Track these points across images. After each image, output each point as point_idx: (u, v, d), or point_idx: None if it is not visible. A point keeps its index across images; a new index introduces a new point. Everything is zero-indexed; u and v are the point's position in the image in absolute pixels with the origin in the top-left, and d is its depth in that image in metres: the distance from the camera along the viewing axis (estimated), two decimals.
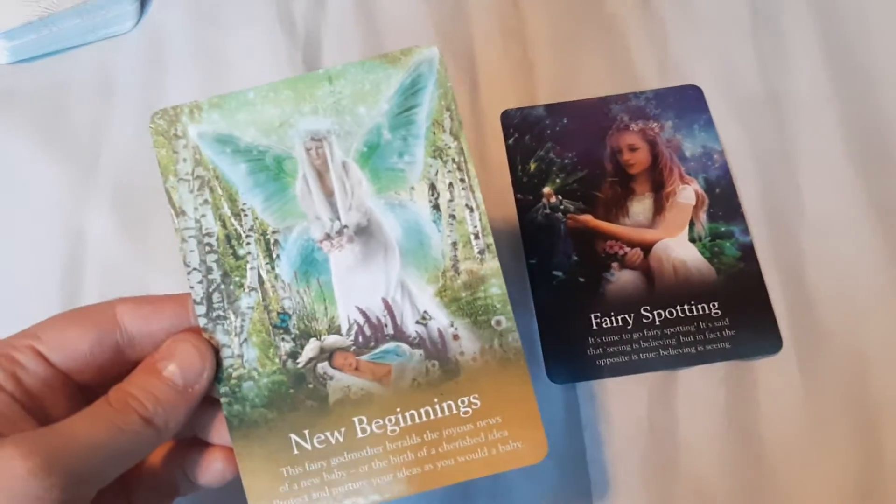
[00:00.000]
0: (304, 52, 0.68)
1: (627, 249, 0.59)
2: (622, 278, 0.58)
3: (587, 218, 0.60)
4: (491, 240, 0.41)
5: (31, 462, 0.32)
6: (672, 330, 0.56)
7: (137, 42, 0.70)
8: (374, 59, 0.41)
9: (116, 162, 0.64)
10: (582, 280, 0.58)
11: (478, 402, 0.41)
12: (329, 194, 0.41)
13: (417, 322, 0.41)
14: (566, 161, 0.62)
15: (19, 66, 0.69)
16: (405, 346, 0.41)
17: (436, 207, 0.41)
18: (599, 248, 0.59)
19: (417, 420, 0.40)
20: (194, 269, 0.40)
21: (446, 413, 0.41)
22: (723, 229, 0.59)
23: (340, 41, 0.69)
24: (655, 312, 0.57)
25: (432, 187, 0.41)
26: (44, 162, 0.64)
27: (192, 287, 0.40)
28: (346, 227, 0.41)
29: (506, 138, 0.64)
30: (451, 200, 0.41)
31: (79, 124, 0.66)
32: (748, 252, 0.59)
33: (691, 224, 0.60)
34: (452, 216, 0.41)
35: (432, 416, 0.40)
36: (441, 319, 0.41)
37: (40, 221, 0.62)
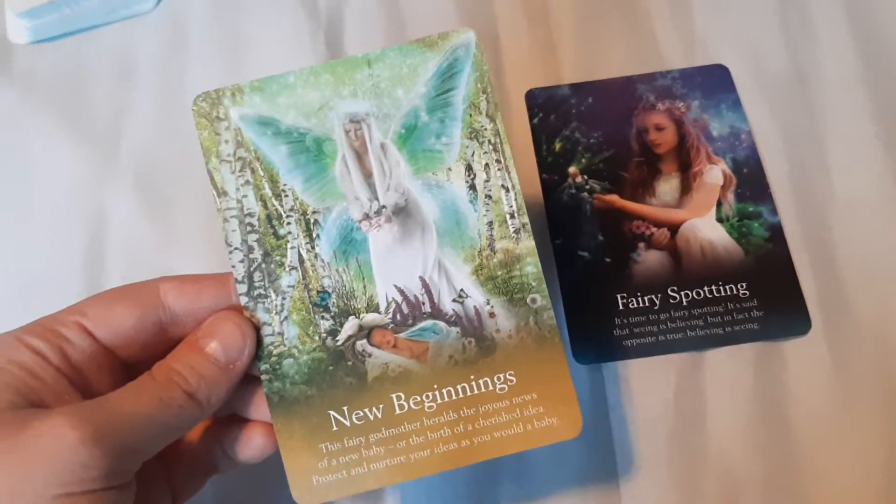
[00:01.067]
0: (326, 33, 0.70)
1: (654, 230, 0.61)
2: (649, 259, 0.60)
3: (613, 198, 0.62)
4: (526, 219, 0.44)
5: (81, 432, 0.35)
6: (699, 311, 0.58)
7: (158, 22, 0.71)
8: (412, 44, 0.44)
9: (138, 143, 0.66)
10: (608, 260, 0.60)
11: (513, 379, 0.43)
12: (368, 175, 0.44)
13: (454, 300, 0.44)
14: (592, 141, 0.64)
15: (40, 45, 0.70)
16: (442, 324, 0.44)
17: (472, 188, 0.44)
18: (626, 229, 0.61)
19: (454, 396, 0.43)
20: (236, 248, 0.43)
21: (482, 389, 0.43)
22: (751, 209, 0.61)
23: (363, 21, 0.70)
24: (683, 293, 0.59)
25: (469, 168, 0.44)
26: (65, 142, 0.66)
27: (233, 266, 0.43)
28: (384, 207, 0.44)
29: (531, 118, 0.66)
30: (487, 181, 0.44)
31: (100, 104, 0.68)
32: (776, 232, 0.60)
33: (719, 204, 0.61)
34: (488, 196, 0.44)
35: (469, 393, 0.43)
36: (477, 297, 0.44)
37: (62, 202, 0.64)
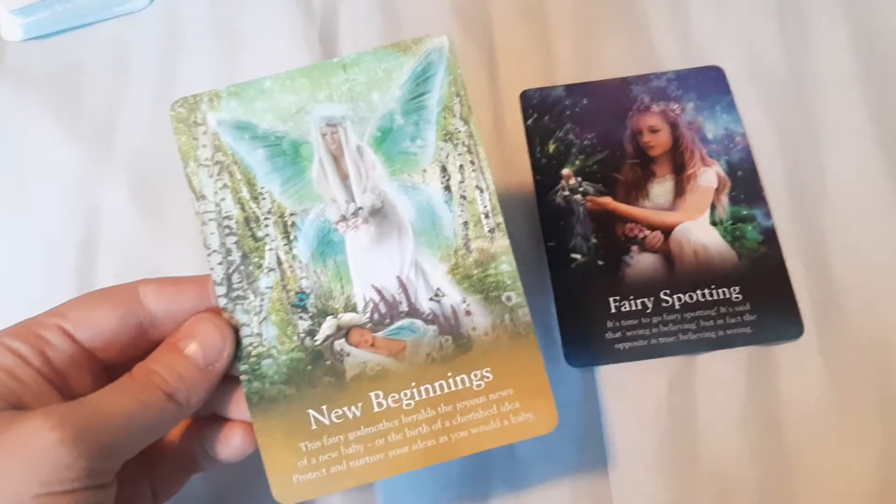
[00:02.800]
0: (320, 31, 0.71)
1: (647, 232, 0.62)
2: (642, 262, 0.61)
3: (607, 200, 0.64)
4: (501, 219, 0.46)
5: (62, 432, 0.36)
6: (692, 314, 0.60)
7: (152, 19, 0.73)
8: (387, 48, 0.46)
9: (131, 140, 0.68)
10: (601, 263, 0.61)
11: (490, 376, 0.45)
12: (344, 177, 0.46)
13: (431, 299, 0.46)
14: (586, 142, 0.66)
15: (33, 42, 0.72)
16: (419, 323, 0.46)
17: (447, 189, 0.46)
18: (619, 231, 0.62)
19: (432, 394, 0.45)
20: (214, 251, 0.45)
21: (460, 386, 0.45)
22: (744, 213, 0.63)
23: (357, 20, 0.72)
24: (675, 296, 0.60)
25: (443, 170, 0.46)
26: (58, 140, 0.68)
27: (212, 268, 0.45)
28: (360, 208, 0.46)
29: (525, 119, 0.67)
30: (461, 182, 0.46)
31: (93, 102, 0.70)
32: (770, 236, 0.62)
33: (712, 207, 0.63)
34: (463, 197, 0.46)
35: (446, 390, 0.45)
36: (454, 296, 0.46)
37: (55, 199, 0.66)
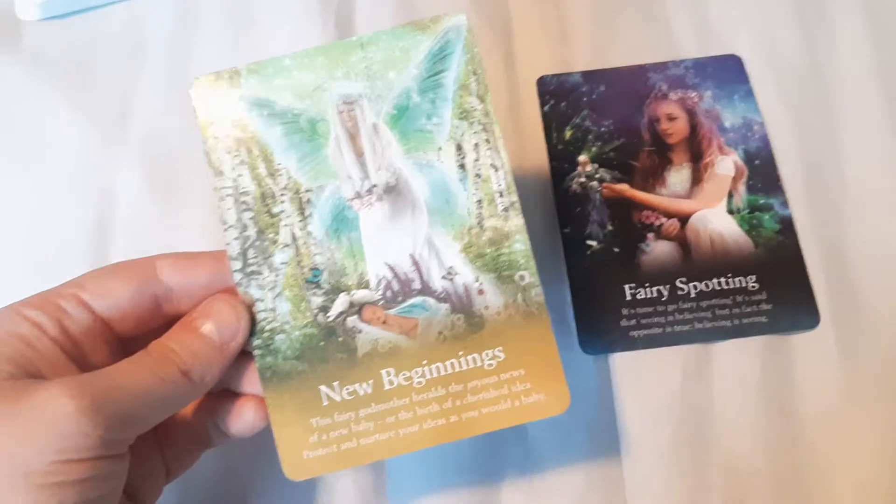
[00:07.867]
0: (336, 12, 0.73)
1: (664, 220, 0.64)
2: (658, 249, 0.63)
3: (623, 187, 0.65)
4: (515, 197, 0.47)
5: (79, 401, 0.38)
6: (708, 303, 0.61)
7: (167, 0, 0.74)
8: (405, 27, 0.48)
9: (146, 121, 0.69)
10: (617, 250, 0.63)
11: (502, 355, 0.47)
12: (360, 155, 0.48)
13: (444, 277, 0.47)
14: (603, 129, 0.67)
15: (49, 22, 0.74)
16: (432, 301, 0.47)
17: (462, 167, 0.48)
18: (635, 219, 0.64)
19: (443, 372, 0.46)
20: (230, 226, 0.47)
21: (471, 365, 0.47)
22: (762, 202, 0.64)
23: (373, 2, 0.73)
24: (691, 284, 0.61)
25: (459, 148, 0.48)
26: (73, 120, 0.69)
27: (228, 244, 0.47)
28: (375, 186, 0.48)
29: (541, 105, 0.69)
30: (476, 160, 0.48)
31: (108, 82, 0.71)
32: (787, 225, 0.63)
33: (730, 196, 0.64)
34: (478, 175, 0.47)
35: (457, 369, 0.47)
36: (466, 275, 0.47)
37: (69, 179, 0.67)
